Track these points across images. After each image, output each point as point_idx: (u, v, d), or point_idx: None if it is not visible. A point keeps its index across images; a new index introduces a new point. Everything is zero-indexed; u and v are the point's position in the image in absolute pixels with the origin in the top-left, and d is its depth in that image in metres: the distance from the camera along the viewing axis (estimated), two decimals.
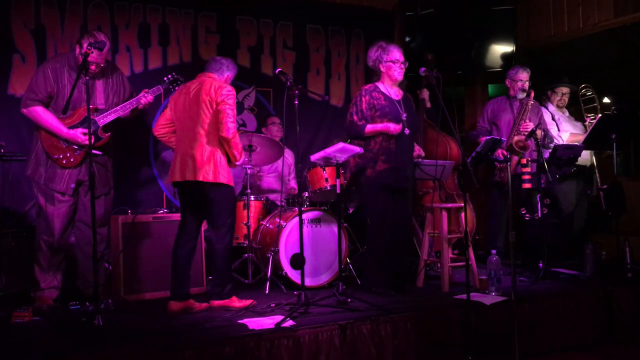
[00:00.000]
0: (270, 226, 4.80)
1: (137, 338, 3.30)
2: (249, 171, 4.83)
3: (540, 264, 4.73)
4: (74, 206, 4.21)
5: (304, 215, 4.60)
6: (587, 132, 5.44)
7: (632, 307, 4.44)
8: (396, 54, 4.39)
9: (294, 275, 4.57)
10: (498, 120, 5.40)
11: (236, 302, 4.00)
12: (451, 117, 3.93)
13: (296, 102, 3.98)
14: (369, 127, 4.31)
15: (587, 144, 5.26)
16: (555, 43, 6.51)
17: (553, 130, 5.55)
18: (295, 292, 4.16)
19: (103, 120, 4.19)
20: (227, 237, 4.05)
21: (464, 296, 3.70)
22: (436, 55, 5.59)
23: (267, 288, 4.49)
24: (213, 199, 3.96)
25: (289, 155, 5.60)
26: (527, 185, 4.81)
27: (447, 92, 6.42)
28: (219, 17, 5.75)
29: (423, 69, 4.15)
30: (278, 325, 3.41)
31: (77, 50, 4.10)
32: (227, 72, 4.22)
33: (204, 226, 4.87)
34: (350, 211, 5.35)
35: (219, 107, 3.93)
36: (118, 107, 4.25)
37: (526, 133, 4.99)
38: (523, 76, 5.34)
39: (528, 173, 4.80)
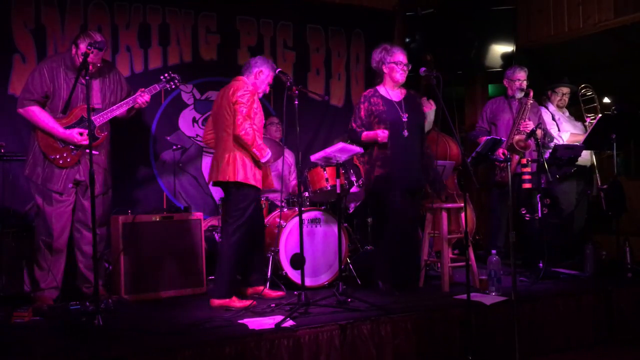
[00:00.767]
0: (271, 226, 4.80)
1: (137, 338, 3.30)
2: None
3: (541, 264, 4.73)
4: (72, 206, 4.20)
5: (304, 215, 4.60)
6: (588, 132, 5.45)
7: (632, 307, 4.43)
8: (399, 55, 4.40)
9: (294, 275, 4.57)
10: (497, 121, 5.39)
11: (236, 302, 4.01)
12: (451, 117, 3.92)
13: (296, 102, 3.98)
14: (364, 135, 4.37)
15: (587, 144, 5.25)
16: (555, 43, 6.51)
17: (553, 130, 5.55)
18: (295, 292, 4.16)
19: (99, 119, 4.18)
20: (234, 237, 4.09)
21: (464, 296, 3.70)
22: (436, 55, 5.59)
23: (267, 288, 4.49)
24: (231, 197, 4.16)
25: (288, 155, 5.60)
26: (528, 185, 4.81)
27: (447, 92, 6.42)
28: (219, 17, 5.75)
29: (423, 69, 4.15)
30: (278, 325, 3.41)
31: (74, 50, 4.10)
32: (255, 68, 4.26)
33: (205, 226, 4.90)
34: (351, 211, 5.35)
35: (234, 107, 4.06)
36: (114, 107, 4.24)
37: (526, 132, 4.99)
38: (520, 75, 5.33)
39: (528, 173, 4.80)
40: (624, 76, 6.83)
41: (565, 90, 5.75)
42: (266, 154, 4.16)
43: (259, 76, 4.25)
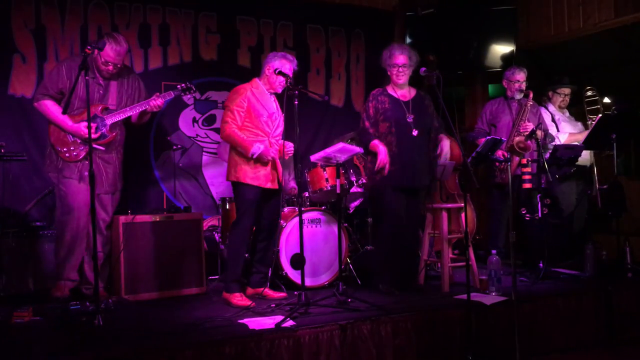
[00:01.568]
0: None
1: (137, 338, 3.30)
2: None
3: (541, 264, 4.73)
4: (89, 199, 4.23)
5: (304, 215, 4.59)
6: (588, 132, 5.44)
7: (632, 307, 4.43)
8: (397, 58, 4.41)
9: (294, 275, 4.57)
10: (497, 122, 5.37)
11: (236, 299, 4.06)
12: (451, 117, 3.92)
13: (296, 102, 3.98)
14: (372, 144, 4.36)
15: (587, 144, 5.25)
16: (555, 43, 6.51)
17: (552, 131, 5.55)
18: (295, 292, 4.16)
19: (111, 119, 4.26)
20: (233, 234, 4.20)
21: (465, 296, 3.71)
22: (436, 55, 5.59)
23: (268, 288, 4.49)
24: (233, 196, 4.36)
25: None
26: (528, 186, 4.81)
27: (447, 92, 6.42)
28: (219, 17, 5.75)
29: (423, 69, 4.15)
30: (278, 325, 3.41)
31: (96, 51, 4.15)
32: (264, 66, 4.30)
33: (205, 226, 4.90)
34: (351, 211, 5.35)
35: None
36: (127, 108, 4.33)
37: (526, 134, 4.98)
38: (520, 77, 5.30)
39: (528, 173, 4.79)
40: (624, 76, 6.83)
41: (567, 91, 5.73)
42: (253, 149, 4.10)
43: (269, 72, 4.25)
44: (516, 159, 5.11)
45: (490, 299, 4.07)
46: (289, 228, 4.64)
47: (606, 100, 6.83)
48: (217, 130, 5.71)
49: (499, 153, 4.84)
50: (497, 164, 5.13)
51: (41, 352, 3.09)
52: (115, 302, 4.03)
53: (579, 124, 5.81)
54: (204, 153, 5.67)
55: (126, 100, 4.39)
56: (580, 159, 5.21)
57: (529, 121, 5.15)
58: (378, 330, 3.58)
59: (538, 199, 4.75)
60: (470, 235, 5.14)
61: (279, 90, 4.28)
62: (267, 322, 3.49)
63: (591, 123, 5.70)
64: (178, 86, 4.53)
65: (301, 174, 4.47)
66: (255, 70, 5.88)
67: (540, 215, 4.73)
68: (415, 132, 4.36)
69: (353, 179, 4.90)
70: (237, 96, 4.21)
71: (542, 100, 5.76)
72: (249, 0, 5.86)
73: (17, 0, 4.92)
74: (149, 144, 5.45)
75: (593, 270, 4.94)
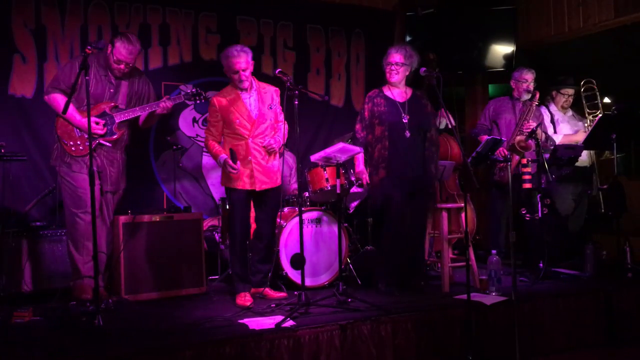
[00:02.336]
0: None
1: (137, 338, 3.30)
2: None
3: (541, 264, 4.73)
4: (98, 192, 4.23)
5: (304, 215, 4.59)
6: (582, 132, 5.45)
7: (632, 307, 4.43)
8: (391, 56, 4.42)
9: (294, 275, 4.57)
10: (499, 120, 5.38)
11: (238, 299, 4.11)
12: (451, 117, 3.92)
13: (296, 102, 3.98)
14: (358, 170, 4.51)
15: (587, 144, 5.25)
16: (555, 43, 6.51)
17: (549, 131, 5.53)
18: (295, 292, 4.16)
19: (119, 117, 4.28)
20: (229, 235, 4.29)
21: (465, 296, 3.70)
22: (436, 55, 5.59)
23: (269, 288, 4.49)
24: None
25: (289, 157, 5.59)
26: (528, 185, 4.81)
27: (448, 92, 6.42)
28: (220, 17, 5.75)
29: (423, 68, 4.15)
30: (278, 325, 3.41)
31: (109, 49, 4.20)
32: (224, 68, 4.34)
33: (205, 226, 4.91)
34: (351, 211, 5.35)
35: None
36: (137, 107, 4.35)
37: (527, 132, 4.98)
38: (528, 77, 5.28)
39: (528, 173, 4.79)
40: (624, 76, 6.83)
41: (571, 91, 5.70)
42: (219, 158, 4.17)
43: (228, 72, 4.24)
44: (516, 158, 5.12)
45: (491, 299, 4.07)
46: (289, 228, 4.64)
47: (606, 100, 6.83)
48: None
49: (499, 152, 4.85)
50: (497, 164, 5.13)
51: (41, 352, 3.09)
52: (115, 302, 4.03)
53: (580, 123, 5.79)
54: (204, 153, 5.66)
55: (135, 101, 4.40)
56: (579, 159, 5.21)
57: (532, 122, 5.15)
58: (378, 330, 3.58)
59: (538, 199, 4.75)
60: (470, 235, 5.14)
61: (244, 86, 4.23)
62: (267, 322, 3.49)
63: (591, 120, 5.69)
64: (188, 91, 4.58)
65: (301, 174, 4.46)
66: (255, 71, 5.83)
67: (540, 215, 4.73)
68: (407, 134, 4.35)
69: (353, 178, 4.90)
70: (210, 109, 4.29)
71: (545, 99, 5.75)
72: (249, 0, 5.86)
73: (17, 0, 4.92)
74: (149, 144, 5.45)
75: (593, 270, 4.94)
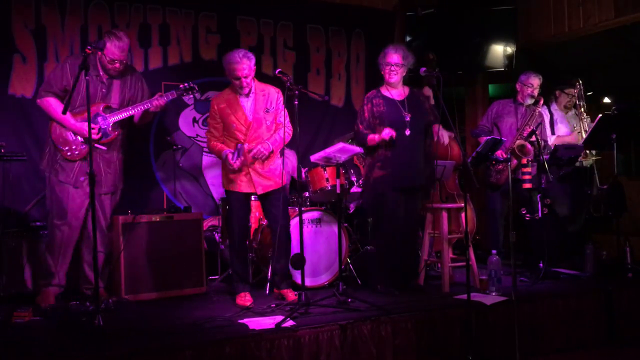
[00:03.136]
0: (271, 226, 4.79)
1: (137, 338, 3.30)
2: None
3: (541, 264, 4.73)
4: (87, 202, 4.20)
5: (304, 215, 4.59)
6: (571, 133, 5.45)
7: (632, 307, 4.43)
8: (391, 56, 4.40)
9: (294, 275, 4.56)
10: (500, 122, 5.33)
11: (238, 299, 4.12)
12: (451, 117, 3.92)
13: (296, 102, 3.98)
14: (369, 139, 4.36)
15: (587, 144, 5.25)
16: (555, 43, 6.51)
17: (547, 132, 5.52)
18: (295, 292, 4.16)
19: (113, 117, 4.25)
20: (229, 237, 4.23)
21: (465, 296, 3.70)
22: (436, 55, 5.59)
23: (268, 288, 4.50)
24: None
25: (291, 155, 5.57)
26: (528, 185, 4.81)
27: (448, 92, 6.42)
28: (220, 17, 5.75)
29: (423, 69, 4.15)
30: (278, 325, 3.41)
31: (99, 51, 4.15)
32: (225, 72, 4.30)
33: (205, 226, 4.91)
34: (351, 211, 5.35)
35: None
36: (130, 107, 4.31)
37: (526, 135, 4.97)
38: (535, 82, 5.21)
39: (528, 173, 4.79)
40: (624, 76, 6.83)
41: (575, 92, 5.69)
42: (222, 154, 4.15)
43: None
44: (515, 161, 5.10)
45: (491, 299, 4.07)
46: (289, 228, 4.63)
47: (606, 100, 6.84)
48: None
49: (499, 153, 4.84)
50: (494, 163, 5.11)
51: (41, 352, 3.09)
52: (115, 302, 4.04)
53: (581, 123, 5.78)
54: (204, 153, 5.67)
55: (129, 100, 4.37)
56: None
57: (532, 127, 5.11)
58: (378, 330, 3.58)
59: (538, 199, 4.74)
60: (470, 235, 5.14)
61: (245, 92, 4.22)
62: (267, 322, 3.50)
63: (584, 119, 5.68)
64: (180, 86, 4.51)
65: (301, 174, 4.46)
66: (255, 71, 5.88)
67: (540, 215, 4.73)
68: (408, 132, 4.35)
69: (353, 178, 4.90)
70: (210, 111, 4.28)
71: (548, 99, 5.73)
72: (249, 0, 5.86)
73: (17, 0, 4.92)
74: (149, 144, 5.45)
75: (593, 270, 4.94)
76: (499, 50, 6.32)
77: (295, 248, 4.53)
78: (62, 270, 4.21)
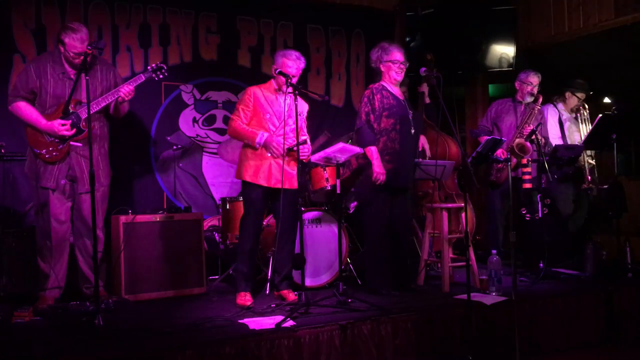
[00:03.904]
0: (271, 226, 4.80)
1: (137, 338, 3.30)
2: None
3: (541, 264, 4.73)
4: (71, 204, 4.18)
5: (304, 215, 4.59)
6: (587, 134, 5.45)
7: (632, 307, 4.43)
8: (396, 54, 4.39)
9: (294, 275, 4.56)
10: (500, 122, 5.34)
11: (238, 298, 4.10)
12: (451, 117, 3.93)
13: (296, 102, 3.98)
14: (369, 150, 4.28)
15: (587, 144, 5.24)
16: (555, 43, 6.50)
17: (555, 131, 5.51)
18: (295, 293, 4.16)
19: (84, 112, 4.05)
20: (239, 232, 4.26)
21: (465, 296, 3.71)
22: (436, 55, 5.58)
23: (268, 288, 4.50)
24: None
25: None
26: (528, 185, 4.81)
27: (447, 92, 6.41)
28: (220, 17, 5.75)
29: (423, 69, 4.16)
30: (278, 325, 3.41)
31: (61, 49, 4.07)
32: (273, 65, 4.27)
33: (205, 226, 4.90)
34: (351, 211, 5.35)
35: None
36: (99, 98, 4.14)
37: (526, 134, 4.97)
38: (534, 80, 5.22)
39: (529, 173, 4.79)
40: (624, 76, 6.83)
41: (584, 96, 5.69)
42: (258, 138, 4.08)
43: (274, 72, 4.22)
44: (515, 160, 5.10)
45: (491, 299, 4.07)
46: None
47: (606, 100, 6.83)
48: (217, 131, 5.73)
49: (499, 152, 4.85)
50: (495, 164, 5.12)
51: (41, 352, 3.09)
52: (115, 302, 4.03)
53: (582, 126, 5.78)
54: (204, 153, 5.67)
55: (101, 92, 4.21)
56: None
57: (533, 126, 5.11)
58: (378, 330, 3.58)
59: (538, 199, 4.75)
60: (470, 235, 5.14)
61: (284, 89, 4.21)
62: (267, 322, 3.49)
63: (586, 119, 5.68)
64: (148, 67, 4.38)
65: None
66: (255, 71, 5.90)
67: (540, 215, 4.73)
68: (413, 131, 4.36)
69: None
70: (245, 96, 4.24)
71: (553, 99, 5.72)
72: (249, 0, 5.86)
73: (17, 0, 4.92)
74: (149, 144, 5.45)
75: (593, 270, 4.94)
76: (499, 50, 6.32)
77: (295, 248, 4.54)
78: (60, 272, 4.16)
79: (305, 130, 4.35)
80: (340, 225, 4.49)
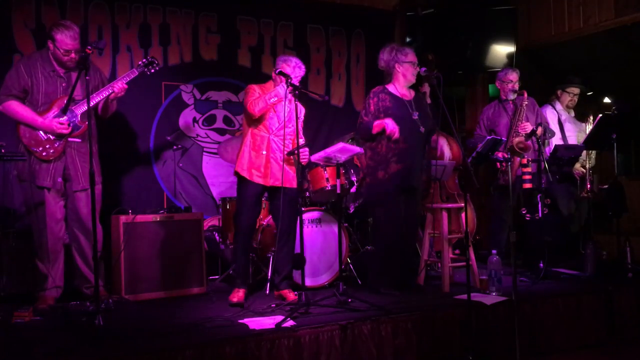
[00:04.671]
0: (271, 226, 4.80)
1: (137, 338, 3.29)
2: None
3: (541, 264, 4.73)
4: (64, 202, 4.17)
5: (304, 215, 4.59)
6: (587, 135, 5.45)
7: (632, 307, 4.43)
8: (412, 55, 4.40)
9: (294, 275, 4.56)
10: (496, 127, 5.29)
11: (232, 296, 4.13)
12: (451, 117, 3.93)
13: (297, 103, 3.98)
14: (375, 125, 4.29)
15: (587, 144, 5.24)
16: (555, 43, 6.51)
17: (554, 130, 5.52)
18: (295, 292, 4.16)
19: (80, 108, 4.09)
20: (234, 230, 4.26)
21: (465, 296, 3.70)
22: (437, 55, 5.59)
23: (268, 288, 4.50)
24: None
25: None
26: (528, 185, 4.80)
27: (448, 92, 6.41)
28: (220, 17, 5.75)
29: (424, 69, 4.16)
30: (279, 325, 3.41)
31: (51, 46, 4.07)
32: (275, 68, 4.27)
33: (205, 226, 4.90)
34: (351, 211, 5.35)
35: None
36: (93, 94, 4.12)
37: (525, 133, 4.96)
38: (512, 77, 5.21)
39: (529, 173, 4.79)
40: (624, 76, 6.83)
41: (577, 90, 5.68)
42: (271, 94, 4.09)
43: (274, 74, 4.23)
44: (517, 159, 5.10)
45: (491, 299, 4.06)
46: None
47: (606, 100, 6.83)
48: (217, 130, 5.73)
49: (499, 154, 4.84)
50: (497, 164, 5.12)
51: (41, 352, 3.08)
52: (115, 302, 4.03)
53: (583, 125, 5.78)
54: (204, 153, 5.67)
55: (91, 89, 4.15)
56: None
57: (527, 120, 5.09)
58: (378, 330, 3.58)
59: (538, 199, 4.74)
60: (471, 235, 5.14)
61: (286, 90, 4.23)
62: (267, 322, 3.49)
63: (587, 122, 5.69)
64: (139, 62, 4.38)
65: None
66: (255, 70, 5.90)
67: (540, 215, 4.73)
68: (422, 129, 4.36)
69: (353, 178, 4.90)
70: (250, 91, 4.22)
71: (549, 99, 5.73)
72: (249, 0, 5.86)
73: (17, 0, 4.92)
74: (149, 144, 5.45)
75: (593, 270, 4.94)
76: (499, 50, 6.32)
77: (295, 248, 4.54)
78: (57, 272, 4.15)
79: (301, 132, 4.34)
80: (341, 225, 4.49)
